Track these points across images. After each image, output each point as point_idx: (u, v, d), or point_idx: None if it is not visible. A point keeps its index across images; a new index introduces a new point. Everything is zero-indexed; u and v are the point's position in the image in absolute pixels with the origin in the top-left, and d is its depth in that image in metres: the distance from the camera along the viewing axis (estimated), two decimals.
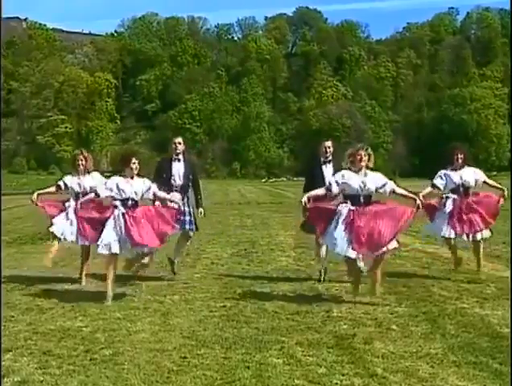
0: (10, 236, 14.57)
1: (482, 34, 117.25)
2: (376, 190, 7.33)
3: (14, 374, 5.01)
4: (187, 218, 8.95)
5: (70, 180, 8.86)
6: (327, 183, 7.55)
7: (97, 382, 4.81)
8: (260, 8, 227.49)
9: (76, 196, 8.75)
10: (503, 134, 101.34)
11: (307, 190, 8.37)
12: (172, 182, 8.88)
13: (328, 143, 8.95)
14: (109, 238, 7.60)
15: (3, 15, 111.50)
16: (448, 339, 5.86)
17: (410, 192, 7.68)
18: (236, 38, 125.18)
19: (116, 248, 7.58)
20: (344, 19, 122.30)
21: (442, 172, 9.00)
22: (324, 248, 8.54)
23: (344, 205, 7.29)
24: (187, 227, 9.00)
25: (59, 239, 8.68)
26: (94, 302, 7.54)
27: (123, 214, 7.68)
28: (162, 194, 8.09)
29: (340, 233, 7.13)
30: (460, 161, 8.87)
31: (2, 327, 6.39)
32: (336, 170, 8.14)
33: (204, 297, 7.83)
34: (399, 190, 7.44)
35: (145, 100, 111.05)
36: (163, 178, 8.86)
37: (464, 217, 8.70)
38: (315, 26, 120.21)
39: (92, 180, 8.78)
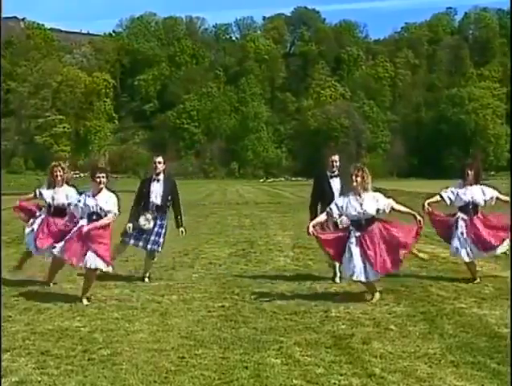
0: (9, 236, 14.54)
1: (480, 35, 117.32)
2: (376, 212, 7.53)
3: (12, 374, 5.00)
4: (153, 237, 8.94)
5: (45, 191, 8.93)
6: (332, 204, 7.71)
7: (95, 382, 4.81)
8: (258, 8, 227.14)
9: (48, 208, 8.85)
10: (501, 134, 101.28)
11: (314, 204, 8.67)
12: (148, 200, 8.96)
13: (335, 157, 8.86)
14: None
15: (2, 15, 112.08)
16: (446, 339, 5.87)
17: (408, 208, 7.82)
18: (234, 38, 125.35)
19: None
20: (342, 19, 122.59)
21: (451, 189, 8.95)
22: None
23: (351, 234, 7.52)
24: (149, 246, 8.97)
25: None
26: (92, 303, 7.55)
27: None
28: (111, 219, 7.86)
29: (357, 262, 7.39)
30: (470, 176, 8.80)
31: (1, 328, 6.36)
32: (342, 184, 8.43)
33: (203, 298, 7.83)
34: (398, 207, 7.66)
35: (143, 100, 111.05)
36: (142, 199, 9.03)
37: (476, 238, 8.69)
38: (313, 26, 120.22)
39: (67, 198, 8.74)
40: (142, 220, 8.75)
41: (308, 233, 7.55)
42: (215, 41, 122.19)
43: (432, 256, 11.04)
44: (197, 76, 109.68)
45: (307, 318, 6.73)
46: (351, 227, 7.56)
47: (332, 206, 7.60)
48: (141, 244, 8.96)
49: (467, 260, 8.76)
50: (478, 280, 8.73)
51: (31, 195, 9.19)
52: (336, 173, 8.80)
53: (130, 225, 8.90)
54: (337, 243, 7.57)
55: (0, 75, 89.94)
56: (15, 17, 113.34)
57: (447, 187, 9.10)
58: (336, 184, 8.68)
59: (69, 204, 8.63)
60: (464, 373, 4.94)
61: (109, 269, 7.81)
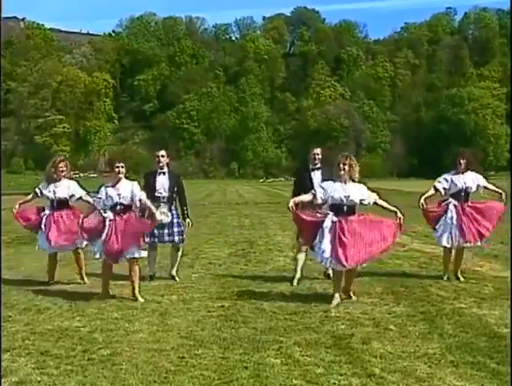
0: (9, 236, 14.55)
1: (480, 35, 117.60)
2: (360, 201, 7.47)
3: (11, 374, 4.99)
4: (176, 229, 9.04)
5: (45, 188, 8.81)
6: (317, 186, 7.77)
7: (95, 382, 4.80)
8: (258, 8, 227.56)
9: (52, 204, 8.79)
10: (501, 134, 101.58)
11: (295, 196, 8.43)
12: (158, 194, 8.95)
13: (317, 150, 8.95)
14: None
15: (1, 15, 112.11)
16: (445, 339, 5.86)
17: (391, 205, 7.68)
18: (234, 38, 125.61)
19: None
20: (342, 19, 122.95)
21: (445, 176, 9.05)
22: (302, 256, 8.73)
23: (328, 217, 7.39)
24: (176, 238, 9.05)
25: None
26: (92, 303, 7.53)
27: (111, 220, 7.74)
28: (148, 203, 8.01)
29: (327, 248, 7.27)
30: (462, 165, 8.88)
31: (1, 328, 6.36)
32: (324, 178, 8.29)
33: (202, 297, 7.82)
34: (381, 202, 7.64)
35: (143, 100, 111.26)
36: (149, 192, 8.71)
37: (465, 226, 8.74)
38: (313, 26, 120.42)
39: (69, 190, 8.78)
40: (158, 215, 8.33)
41: (288, 208, 7.50)
42: (215, 41, 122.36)
43: (432, 256, 11.06)
44: (197, 76, 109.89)
45: (306, 318, 6.72)
46: (330, 212, 7.41)
47: (317, 188, 7.60)
48: (167, 238, 9.00)
49: (445, 244, 8.87)
50: (446, 277, 8.83)
51: (30, 197, 8.98)
52: (318, 166, 8.85)
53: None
54: (313, 226, 7.45)
55: (0, 75, 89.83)
56: (15, 17, 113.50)
57: (439, 175, 9.15)
58: (317, 177, 8.68)
59: (72, 196, 8.80)
60: (464, 373, 4.93)
61: (144, 254, 8.00)
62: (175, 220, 9.03)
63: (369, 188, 7.66)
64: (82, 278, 8.96)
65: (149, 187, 8.86)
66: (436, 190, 9.02)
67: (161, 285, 8.72)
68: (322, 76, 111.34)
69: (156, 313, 7.05)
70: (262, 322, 6.58)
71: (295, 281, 8.69)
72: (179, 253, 9.28)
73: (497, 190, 9.07)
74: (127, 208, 7.79)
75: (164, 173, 9.09)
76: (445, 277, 8.85)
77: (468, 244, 8.92)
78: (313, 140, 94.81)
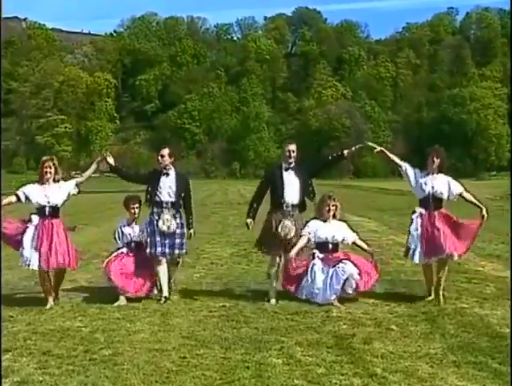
0: None
1: (482, 35, 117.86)
2: (342, 240, 7.76)
3: (13, 374, 5.00)
4: (178, 240, 7.83)
5: (33, 193, 7.56)
6: (306, 227, 7.61)
7: (97, 382, 4.80)
8: (259, 8, 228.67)
9: (42, 211, 7.51)
10: (503, 134, 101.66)
11: (258, 197, 7.93)
12: (160, 198, 7.76)
13: (292, 146, 7.76)
14: None
15: (3, 15, 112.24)
16: (447, 339, 5.86)
17: (369, 246, 8.01)
18: (235, 38, 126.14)
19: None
20: (343, 19, 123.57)
21: (416, 170, 7.73)
22: (273, 270, 7.78)
23: (316, 258, 7.59)
24: (177, 251, 7.85)
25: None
26: (94, 303, 7.55)
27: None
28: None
29: (319, 284, 7.42)
30: (434, 164, 7.57)
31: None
32: (299, 177, 7.58)
33: (204, 298, 7.81)
34: (359, 243, 7.89)
35: (144, 100, 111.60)
36: (150, 194, 7.86)
37: (431, 242, 7.44)
38: (314, 26, 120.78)
39: (61, 193, 7.67)
40: (160, 224, 7.66)
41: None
42: (216, 41, 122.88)
43: None
44: (198, 76, 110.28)
45: (308, 318, 6.72)
46: (315, 251, 7.65)
47: (307, 229, 7.62)
48: (167, 251, 7.74)
49: (417, 261, 7.64)
50: (430, 298, 7.52)
51: (14, 199, 7.59)
52: (292, 165, 7.70)
53: (145, 229, 7.88)
54: (299, 278, 7.65)
55: (0, 75, 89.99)
56: (17, 17, 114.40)
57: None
58: (290, 177, 7.62)
59: (68, 195, 7.75)
60: (466, 373, 4.92)
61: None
62: (178, 230, 7.82)
63: (348, 226, 7.99)
64: (56, 295, 7.78)
65: (150, 190, 7.82)
66: (400, 167, 7.77)
67: None
68: (324, 76, 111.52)
69: (158, 313, 7.04)
70: (264, 322, 6.58)
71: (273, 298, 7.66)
72: (177, 267, 8.23)
73: (477, 203, 7.65)
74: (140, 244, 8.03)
75: (168, 174, 7.84)
76: (430, 298, 7.52)
77: (444, 256, 7.47)
78: (315, 140, 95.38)
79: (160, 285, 7.81)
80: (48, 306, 7.38)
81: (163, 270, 7.82)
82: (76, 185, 7.92)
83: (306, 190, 7.73)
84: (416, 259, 7.56)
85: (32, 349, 5.70)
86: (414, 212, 7.64)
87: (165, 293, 7.66)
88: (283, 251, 7.64)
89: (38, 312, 7.15)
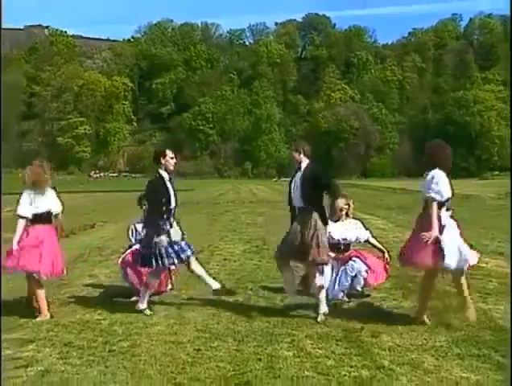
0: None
1: (485, 40, 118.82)
2: (356, 240, 7.54)
3: (37, 363, 5.17)
4: (183, 243, 6.93)
5: (30, 200, 6.80)
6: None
7: (116, 372, 4.94)
8: (270, 14, 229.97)
9: (33, 218, 6.81)
10: (506, 135, 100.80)
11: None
12: (171, 204, 6.85)
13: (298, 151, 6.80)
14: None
15: (27, 24, 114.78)
16: (451, 333, 5.88)
17: (382, 246, 7.74)
18: (247, 43, 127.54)
19: None
20: (351, 24, 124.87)
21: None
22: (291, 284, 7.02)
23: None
24: (183, 255, 6.88)
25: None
26: (112, 297, 7.70)
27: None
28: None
29: (328, 281, 7.07)
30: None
31: (25, 320, 6.56)
32: (304, 178, 6.61)
33: None
34: (373, 241, 7.63)
35: (160, 102, 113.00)
36: (164, 206, 6.86)
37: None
38: (323, 32, 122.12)
39: (47, 200, 6.93)
40: (173, 232, 6.84)
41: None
42: (229, 46, 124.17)
43: None
44: (212, 80, 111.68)
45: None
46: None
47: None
48: (176, 261, 6.88)
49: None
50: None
51: (21, 227, 6.73)
52: (299, 167, 6.77)
53: (163, 239, 6.75)
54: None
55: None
56: (40, 25, 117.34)
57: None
58: (296, 178, 6.77)
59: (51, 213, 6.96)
60: (470, 365, 4.99)
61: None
62: (177, 238, 6.99)
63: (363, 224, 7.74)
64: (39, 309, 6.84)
65: (163, 199, 6.81)
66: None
67: (178, 280, 8.27)
68: (332, 79, 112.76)
69: (173, 306, 7.09)
70: (275, 316, 6.60)
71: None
72: (198, 264, 7.15)
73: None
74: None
75: (170, 179, 6.93)
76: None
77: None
78: (324, 141, 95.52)
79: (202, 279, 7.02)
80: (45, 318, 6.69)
81: (198, 267, 7.04)
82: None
83: (309, 193, 6.57)
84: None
85: (54, 340, 5.83)
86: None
87: (214, 285, 6.95)
88: (295, 258, 6.78)
89: (59, 305, 7.27)
